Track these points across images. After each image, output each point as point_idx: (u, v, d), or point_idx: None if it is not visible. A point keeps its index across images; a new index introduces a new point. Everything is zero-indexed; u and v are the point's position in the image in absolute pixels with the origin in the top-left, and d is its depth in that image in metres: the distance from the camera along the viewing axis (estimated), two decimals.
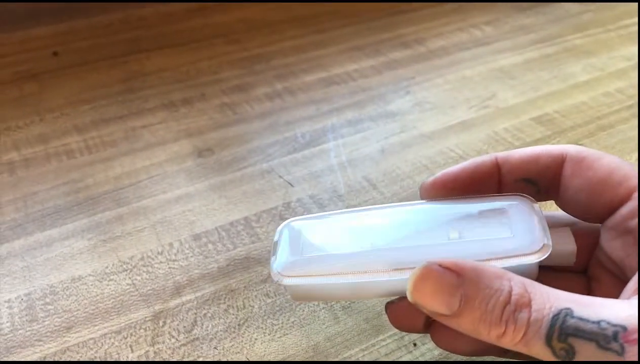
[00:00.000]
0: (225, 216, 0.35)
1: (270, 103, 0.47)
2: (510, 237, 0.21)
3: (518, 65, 0.51)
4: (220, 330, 0.29)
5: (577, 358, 0.18)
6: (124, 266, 0.32)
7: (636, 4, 0.61)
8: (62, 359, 0.28)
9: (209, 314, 0.29)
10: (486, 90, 0.48)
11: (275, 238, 0.24)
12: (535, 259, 0.21)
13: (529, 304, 0.19)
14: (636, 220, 0.21)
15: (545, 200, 0.25)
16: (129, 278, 0.31)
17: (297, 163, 0.40)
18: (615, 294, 0.20)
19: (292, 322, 0.29)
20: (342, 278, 0.21)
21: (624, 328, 0.18)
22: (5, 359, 0.28)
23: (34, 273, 0.32)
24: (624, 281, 0.21)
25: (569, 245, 0.22)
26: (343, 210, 0.25)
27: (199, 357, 0.28)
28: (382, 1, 0.63)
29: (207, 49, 0.54)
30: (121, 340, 0.28)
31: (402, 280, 0.20)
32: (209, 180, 0.38)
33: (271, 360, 0.27)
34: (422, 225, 0.23)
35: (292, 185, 0.38)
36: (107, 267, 0.32)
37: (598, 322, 0.18)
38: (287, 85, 0.49)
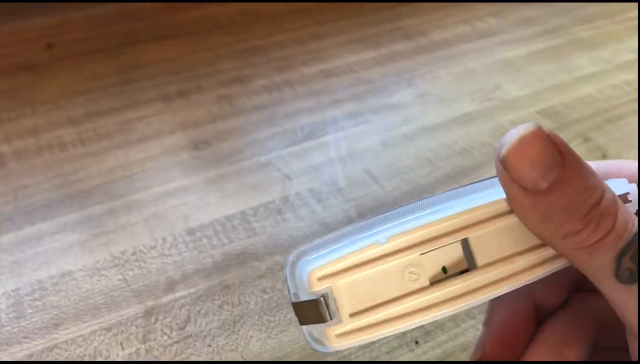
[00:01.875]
0: (221, 210, 0.34)
1: (268, 95, 0.45)
2: None
3: (523, 57, 0.50)
4: (215, 327, 0.28)
5: (636, 286, 0.17)
6: (116, 261, 0.31)
7: None
8: (51, 358, 0.26)
9: (203, 311, 0.28)
10: (490, 83, 0.47)
11: (292, 289, 0.18)
12: None
13: (615, 214, 0.18)
14: None
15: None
16: (121, 273, 0.30)
17: (296, 156, 0.39)
18: None
19: (290, 319, 0.28)
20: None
21: None
22: None
23: (23, 268, 0.31)
24: None
25: None
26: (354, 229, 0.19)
27: (191, 355, 0.27)
28: None
29: (205, 40, 0.53)
30: (111, 337, 0.27)
31: None
32: (204, 173, 0.37)
33: (267, 360, 0.26)
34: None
35: (290, 179, 0.37)
36: (98, 262, 0.31)
37: None
38: (286, 77, 0.48)
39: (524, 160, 0.18)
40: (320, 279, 0.17)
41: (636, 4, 0.59)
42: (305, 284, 0.17)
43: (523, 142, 0.18)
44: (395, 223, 0.18)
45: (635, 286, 0.17)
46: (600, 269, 0.17)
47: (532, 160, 0.18)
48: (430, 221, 0.18)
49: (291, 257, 0.18)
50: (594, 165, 0.20)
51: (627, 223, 0.17)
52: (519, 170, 0.18)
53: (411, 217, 0.19)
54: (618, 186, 0.19)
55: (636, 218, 0.18)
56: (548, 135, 0.18)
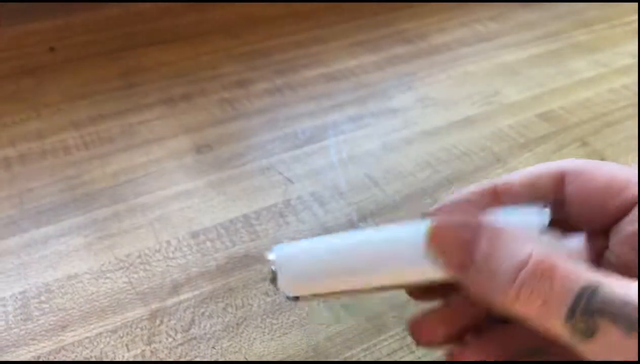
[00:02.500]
0: (224, 213, 0.35)
1: (270, 98, 0.46)
2: None
3: (522, 61, 0.50)
4: (219, 329, 0.28)
5: (597, 337, 0.17)
6: (121, 264, 0.32)
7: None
8: (57, 359, 0.27)
9: (207, 313, 0.29)
10: (490, 86, 0.47)
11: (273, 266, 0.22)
12: None
13: (552, 275, 0.18)
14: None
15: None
16: (126, 276, 0.31)
17: (298, 159, 0.39)
18: None
19: (292, 321, 0.28)
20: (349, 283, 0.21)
21: None
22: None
23: (29, 270, 0.31)
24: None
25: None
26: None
27: (196, 357, 0.27)
28: None
29: (207, 43, 0.53)
30: (117, 339, 0.28)
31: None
32: (207, 176, 0.38)
33: (270, 360, 0.27)
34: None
35: (292, 182, 0.37)
36: (103, 265, 0.32)
37: (633, 303, 0.17)
38: (287, 80, 0.48)
39: (441, 249, 0.20)
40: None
41: (634, 7, 0.59)
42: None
43: (434, 237, 0.20)
44: None
45: (598, 337, 0.17)
46: (556, 329, 0.17)
47: (448, 249, 0.19)
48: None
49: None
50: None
51: (569, 278, 0.17)
52: (441, 260, 0.20)
53: None
54: (532, 215, 0.21)
55: (585, 268, 0.18)
56: (459, 219, 0.20)
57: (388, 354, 0.27)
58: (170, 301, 0.29)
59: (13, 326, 0.28)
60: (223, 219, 0.34)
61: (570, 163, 0.23)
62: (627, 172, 0.22)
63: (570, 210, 0.23)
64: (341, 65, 0.50)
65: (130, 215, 0.35)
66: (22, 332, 0.28)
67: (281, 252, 0.22)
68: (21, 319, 0.29)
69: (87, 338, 0.28)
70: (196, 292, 0.30)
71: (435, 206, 0.24)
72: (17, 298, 0.30)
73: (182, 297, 0.30)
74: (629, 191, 0.21)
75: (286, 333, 0.28)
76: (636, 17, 0.58)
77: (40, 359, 0.27)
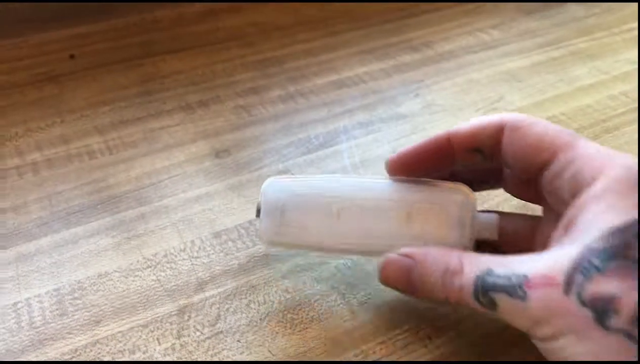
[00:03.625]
0: (245, 214, 0.37)
1: (283, 105, 0.48)
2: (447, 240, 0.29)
3: (525, 68, 0.52)
4: (243, 324, 0.30)
5: (500, 307, 0.23)
6: (148, 262, 0.33)
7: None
8: (93, 353, 0.29)
9: (232, 309, 0.31)
10: (494, 93, 0.49)
11: (260, 199, 0.30)
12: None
13: (461, 271, 0.25)
14: (558, 181, 0.26)
15: (492, 165, 0.29)
16: (154, 274, 0.33)
17: (312, 163, 0.41)
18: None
19: (312, 317, 0.30)
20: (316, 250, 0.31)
21: (526, 277, 0.22)
22: (38, 351, 0.29)
23: (62, 269, 0.33)
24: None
25: (493, 234, 0.29)
26: (318, 177, 0.31)
27: (223, 349, 0.29)
28: (391, 1, 0.64)
29: (221, 51, 0.55)
30: (148, 333, 0.30)
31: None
32: (227, 180, 0.40)
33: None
34: (382, 203, 0.29)
35: None
36: (131, 264, 0.33)
37: (509, 276, 0.23)
38: (299, 87, 0.50)
39: (390, 281, 0.28)
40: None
41: (633, 15, 0.61)
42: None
43: (384, 273, 0.28)
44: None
45: (500, 307, 0.24)
46: (477, 309, 0.25)
47: (396, 279, 0.28)
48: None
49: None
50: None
51: (470, 271, 0.25)
52: (394, 288, 0.28)
53: None
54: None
55: (482, 258, 0.25)
56: (399, 253, 0.28)
57: (402, 348, 0.29)
58: (196, 298, 0.31)
59: (50, 320, 0.30)
60: (243, 220, 0.36)
61: (510, 117, 0.28)
62: (553, 133, 0.26)
63: (505, 158, 0.28)
64: (351, 72, 0.52)
65: (155, 217, 0.37)
66: (59, 326, 0.30)
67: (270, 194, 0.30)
68: (57, 315, 0.31)
69: (119, 332, 0.30)
70: (220, 289, 0.32)
71: (395, 155, 0.30)
72: (52, 294, 0.32)
73: (207, 294, 0.32)
74: (551, 150, 0.26)
75: (306, 328, 0.30)
76: (636, 25, 0.60)
77: (77, 353, 0.29)
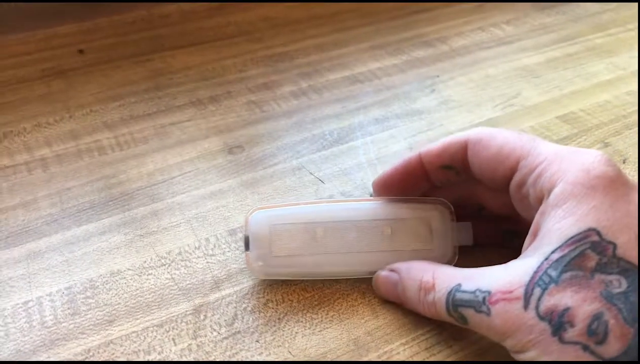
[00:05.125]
0: None
1: (296, 101, 0.47)
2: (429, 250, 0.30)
3: (541, 64, 0.51)
4: (261, 324, 0.29)
5: (469, 322, 0.24)
6: (162, 260, 0.33)
7: None
8: (107, 353, 0.28)
9: (249, 308, 0.30)
10: (511, 89, 0.48)
11: (245, 232, 0.30)
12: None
13: (433, 288, 0.26)
14: (524, 189, 0.26)
15: (466, 179, 0.30)
16: (168, 272, 0.32)
17: (327, 160, 0.40)
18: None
19: (332, 316, 0.29)
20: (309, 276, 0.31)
21: (489, 292, 0.23)
22: (50, 351, 0.28)
23: (73, 267, 0.32)
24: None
25: (469, 240, 0.31)
26: (301, 204, 0.32)
27: (241, 350, 0.28)
28: (400, 0, 0.63)
29: (231, 47, 0.54)
30: (163, 333, 0.29)
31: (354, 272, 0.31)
32: (240, 176, 0.39)
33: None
34: (366, 222, 0.31)
35: (322, 182, 0.38)
36: (145, 262, 0.33)
37: (474, 291, 0.24)
38: (311, 83, 0.49)
39: (381, 293, 0.30)
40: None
41: None
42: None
43: (376, 286, 0.30)
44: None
45: (469, 321, 0.25)
46: (453, 322, 0.26)
47: (386, 292, 0.30)
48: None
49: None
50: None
51: (442, 288, 0.26)
52: (386, 298, 0.30)
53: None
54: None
55: (454, 273, 0.26)
56: (387, 268, 0.30)
57: (426, 349, 0.28)
58: (212, 297, 0.30)
59: (62, 320, 0.29)
60: None
61: (472, 132, 0.29)
62: (513, 142, 0.27)
63: (473, 170, 0.29)
64: (364, 68, 0.51)
65: (168, 214, 0.36)
66: (71, 326, 0.29)
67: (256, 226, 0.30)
68: (69, 314, 0.30)
69: (134, 332, 0.29)
70: (237, 288, 0.31)
71: (377, 177, 0.31)
72: (63, 293, 0.31)
73: (223, 292, 0.31)
74: (512, 158, 0.26)
75: (327, 328, 0.29)
76: None
77: (90, 353, 0.28)
